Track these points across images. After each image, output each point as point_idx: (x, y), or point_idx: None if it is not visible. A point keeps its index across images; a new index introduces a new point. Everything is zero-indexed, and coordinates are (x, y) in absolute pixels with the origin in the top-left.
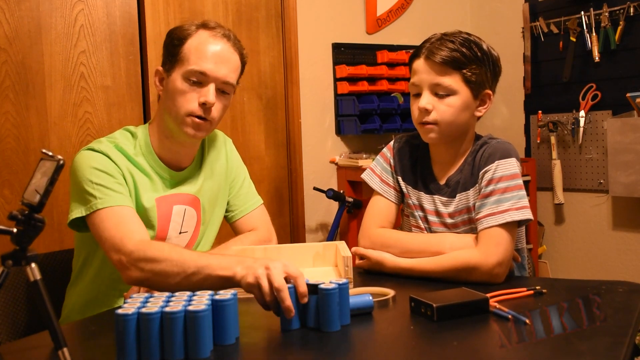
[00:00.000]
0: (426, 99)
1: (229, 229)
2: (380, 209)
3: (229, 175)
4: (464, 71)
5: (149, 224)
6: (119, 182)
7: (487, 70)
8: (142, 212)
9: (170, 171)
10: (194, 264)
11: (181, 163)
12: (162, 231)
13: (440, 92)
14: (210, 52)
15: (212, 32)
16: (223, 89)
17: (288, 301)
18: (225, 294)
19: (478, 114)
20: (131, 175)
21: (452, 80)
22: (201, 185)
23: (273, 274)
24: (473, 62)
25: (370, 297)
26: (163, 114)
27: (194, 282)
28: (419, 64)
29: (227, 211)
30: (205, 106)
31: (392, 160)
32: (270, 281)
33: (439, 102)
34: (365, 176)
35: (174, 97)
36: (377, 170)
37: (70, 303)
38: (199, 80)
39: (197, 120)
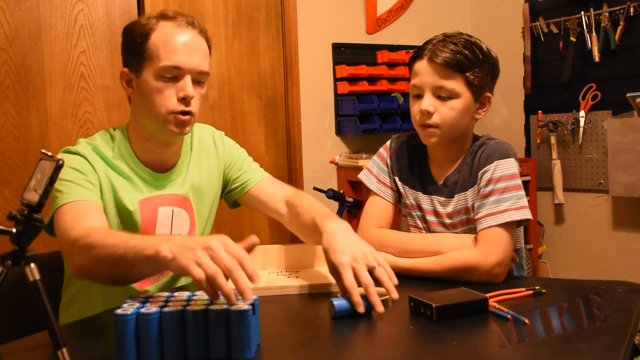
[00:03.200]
0: (428, 102)
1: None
2: (377, 209)
3: (220, 163)
4: (467, 74)
5: (132, 228)
6: (89, 180)
7: (488, 73)
8: (126, 216)
9: (153, 173)
10: (123, 247)
11: (165, 163)
12: (148, 234)
13: (443, 95)
14: (179, 44)
15: (175, 22)
16: (198, 79)
17: (243, 282)
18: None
19: (477, 116)
20: (108, 178)
21: (455, 84)
22: (190, 185)
23: (217, 255)
24: (475, 65)
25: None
26: (139, 116)
27: (124, 266)
28: (422, 65)
29: (233, 189)
30: (185, 100)
31: (388, 160)
32: (215, 262)
33: (441, 105)
34: (362, 176)
35: (151, 98)
36: (374, 170)
37: (66, 304)
38: (173, 75)
39: (180, 117)
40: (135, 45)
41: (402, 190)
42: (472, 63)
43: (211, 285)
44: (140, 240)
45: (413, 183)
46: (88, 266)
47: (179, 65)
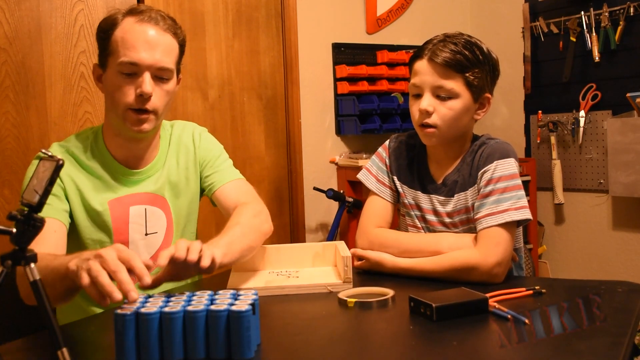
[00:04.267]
0: (427, 101)
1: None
2: (377, 209)
3: (197, 160)
4: (467, 75)
5: (104, 228)
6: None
7: (488, 74)
8: (95, 217)
9: (125, 170)
10: (44, 271)
11: (138, 159)
12: (121, 234)
13: (442, 95)
14: (138, 40)
15: (139, 17)
16: (160, 75)
17: (127, 282)
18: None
19: (477, 117)
20: (74, 182)
21: (455, 84)
22: (163, 182)
23: (106, 259)
24: (475, 66)
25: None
26: (108, 112)
27: (49, 289)
28: (422, 65)
29: (204, 187)
30: (142, 97)
31: (387, 160)
32: (104, 266)
33: (440, 105)
34: (361, 176)
35: (112, 94)
36: (373, 170)
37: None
38: (132, 71)
39: (136, 115)
40: (101, 40)
41: (400, 189)
42: (471, 63)
43: (97, 289)
44: (58, 260)
45: (412, 182)
46: (28, 293)
47: (136, 61)
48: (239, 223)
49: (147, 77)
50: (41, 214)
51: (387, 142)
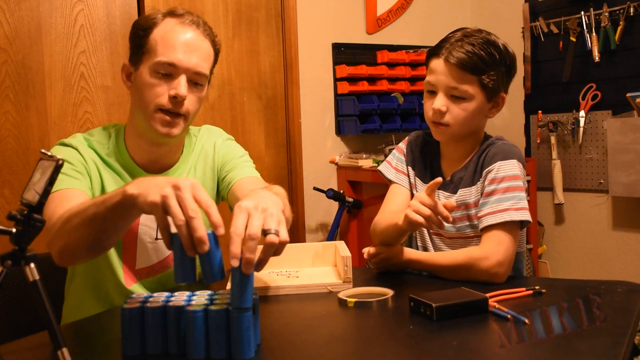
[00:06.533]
0: (441, 101)
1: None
2: (395, 196)
3: (215, 165)
4: (482, 77)
5: None
6: (77, 169)
7: (504, 74)
8: None
9: (142, 173)
10: (93, 206)
11: (157, 164)
12: (128, 235)
13: (456, 95)
14: (178, 41)
15: (180, 19)
16: (195, 80)
17: (202, 230)
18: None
19: (490, 115)
20: (99, 171)
21: (469, 86)
22: None
23: (184, 197)
24: (491, 68)
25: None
26: (134, 111)
27: (98, 224)
28: (438, 64)
29: (221, 189)
30: (175, 99)
31: (405, 151)
32: (180, 204)
33: (453, 105)
34: (381, 168)
35: (143, 92)
36: (393, 162)
37: (69, 302)
38: (168, 72)
39: (166, 117)
40: (137, 38)
41: (412, 180)
42: (487, 66)
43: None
44: (108, 194)
45: (424, 177)
46: (67, 242)
47: (174, 62)
48: (277, 193)
49: (183, 79)
50: (69, 186)
51: (407, 138)
